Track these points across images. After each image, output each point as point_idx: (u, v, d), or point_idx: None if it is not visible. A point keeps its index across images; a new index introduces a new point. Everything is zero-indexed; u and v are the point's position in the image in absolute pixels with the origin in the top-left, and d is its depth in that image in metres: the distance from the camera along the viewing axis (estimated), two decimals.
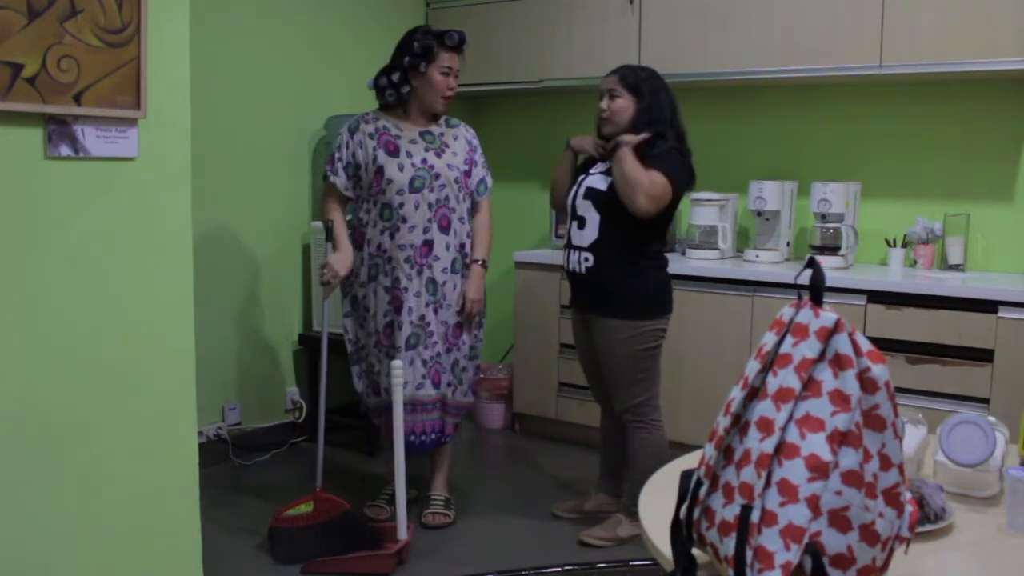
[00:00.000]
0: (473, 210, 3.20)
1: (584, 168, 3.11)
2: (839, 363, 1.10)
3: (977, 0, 3.25)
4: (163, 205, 2.19)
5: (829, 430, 1.08)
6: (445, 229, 3.09)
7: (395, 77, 3.05)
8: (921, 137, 3.77)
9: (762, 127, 4.12)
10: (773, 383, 1.13)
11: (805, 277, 1.15)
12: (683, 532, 1.21)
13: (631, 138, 2.84)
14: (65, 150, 1.99)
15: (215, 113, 3.70)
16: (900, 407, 1.17)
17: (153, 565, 2.24)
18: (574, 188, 3.05)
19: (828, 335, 1.11)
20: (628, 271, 2.93)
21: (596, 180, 2.95)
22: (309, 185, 4.16)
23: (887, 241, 3.77)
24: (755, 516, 1.08)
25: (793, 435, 1.09)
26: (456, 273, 3.13)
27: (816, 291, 1.13)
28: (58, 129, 1.97)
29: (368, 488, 3.51)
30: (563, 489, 3.63)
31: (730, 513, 1.12)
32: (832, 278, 3.34)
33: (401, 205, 3.03)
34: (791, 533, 1.06)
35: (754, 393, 1.15)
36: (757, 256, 3.86)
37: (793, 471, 1.07)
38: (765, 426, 1.11)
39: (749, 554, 1.08)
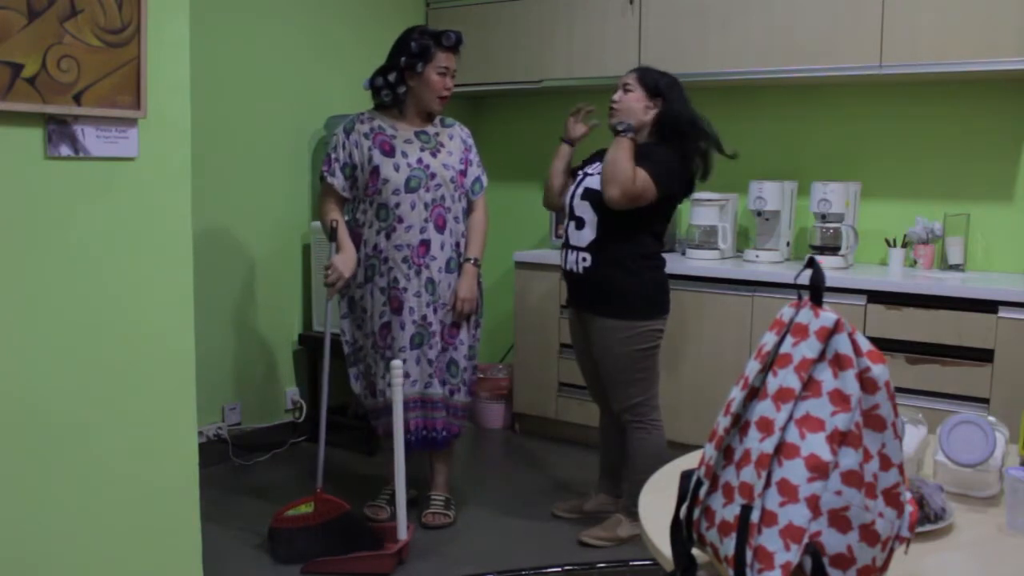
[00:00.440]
0: (469, 209, 3.20)
1: (582, 167, 3.11)
2: (839, 363, 1.10)
3: (977, 0, 3.25)
4: (163, 205, 2.19)
5: (829, 430, 1.08)
6: (441, 229, 3.09)
7: (391, 77, 3.05)
8: (921, 137, 3.77)
9: (762, 127, 4.12)
10: (773, 383, 1.13)
11: (805, 277, 1.15)
12: (683, 532, 1.21)
13: (636, 108, 2.88)
14: (65, 150, 1.99)
15: (215, 113, 3.70)
16: (900, 407, 1.17)
17: (153, 565, 2.24)
18: (572, 187, 3.05)
19: (828, 335, 1.11)
20: (626, 271, 2.93)
21: (595, 180, 2.95)
22: (309, 185, 4.15)
23: (887, 241, 3.77)
24: (755, 516, 1.08)
25: (793, 435, 1.09)
26: (452, 272, 3.13)
27: (816, 291, 1.13)
28: (58, 129, 1.97)
29: (368, 488, 3.51)
30: (563, 489, 3.63)
31: (730, 513, 1.12)
32: (832, 278, 3.34)
33: (397, 205, 3.03)
34: (791, 533, 1.06)
35: (754, 393, 1.15)
36: (757, 256, 3.86)
37: (793, 471, 1.07)
38: (765, 426, 1.11)
39: (749, 554, 1.08)
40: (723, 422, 1.17)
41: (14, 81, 1.86)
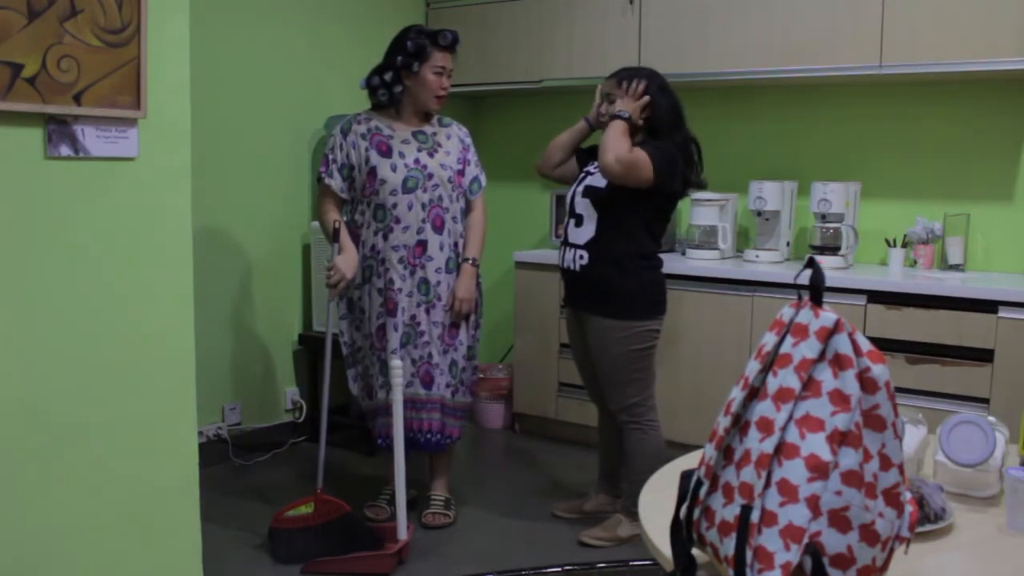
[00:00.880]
0: (467, 209, 3.20)
1: (584, 162, 3.11)
2: (839, 363, 1.10)
3: (977, 0, 3.25)
4: (163, 205, 2.19)
5: (829, 430, 1.08)
6: (439, 229, 3.09)
7: (388, 77, 3.05)
8: (921, 137, 3.77)
9: (762, 127, 4.12)
10: (773, 383, 1.13)
11: (805, 277, 1.15)
12: (683, 532, 1.21)
13: (634, 107, 2.88)
14: (65, 150, 1.99)
15: (215, 113, 3.70)
16: (900, 407, 1.17)
17: (153, 565, 2.24)
18: (573, 185, 3.05)
19: (828, 335, 1.11)
20: (623, 271, 2.93)
21: (595, 179, 2.95)
22: (309, 185, 4.16)
23: (887, 241, 3.77)
24: (755, 516, 1.08)
25: (793, 435, 1.09)
26: (451, 273, 3.13)
27: (816, 291, 1.13)
28: (58, 129, 1.97)
29: (368, 488, 3.51)
30: (563, 489, 3.63)
31: (730, 513, 1.12)
32: (832, 278, 3.34)
33: (395, 206, 3.03)
34: (791, 533, 1.06)
35: (754, 393, 1.15)
36: (757, 256, 3.86)
37: (793, 471, 1.07)
38: (765, 426, 1.11)
39: (749, 554, 1.08)
40: (723, 422, 1.17)
41: (14, 81, 1.86)
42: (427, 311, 3.09)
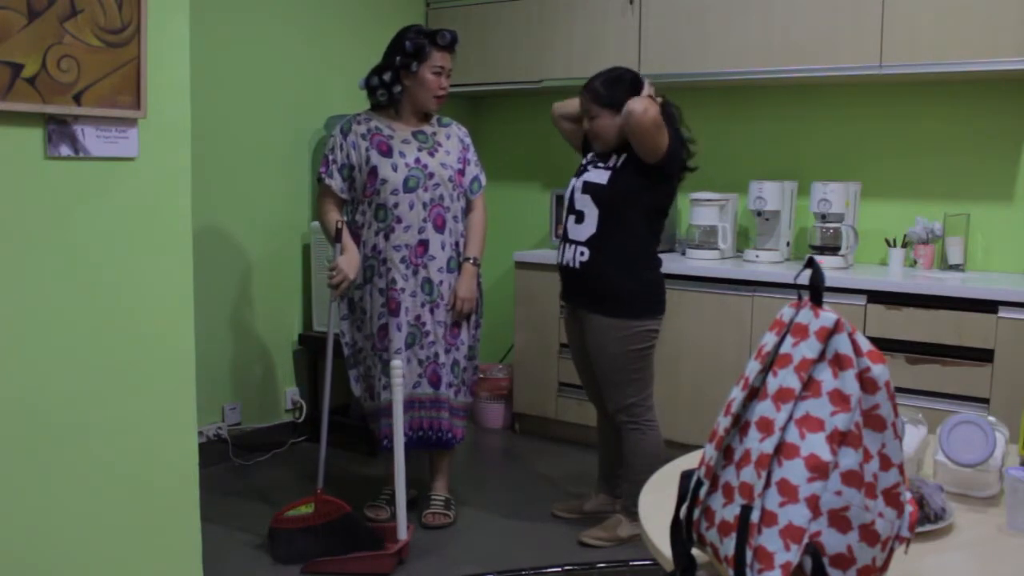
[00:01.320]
0: (467, 208, 3.20)
1: (585, 152, 3.11)
2: (839, 363, 1.10)
3: (977, 0, 3.25)
4: (163, 205, 2.19)
5: (829, 430, 1.08)
6: (440, 228, 3.09)
7: (386, 77, 3.05)
8: (921, 137, 3.77)
9: (762, 127, 4.12)
10: (773, 383, 1.13)
11: (805, 277, 1.15)
12: (683, 532, 1.21)
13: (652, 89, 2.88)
14: (65, 150, 1.99)
15: (215, 113, 3.70)
16: (900, 407, 1.17)
17: (153, 565, 2.24)
18: (572, 181, 3.04)
19: (828, 335, 1.11)
20: (624, 269, 2.93)
21: (594, 175, 2.95)
22: (309, 185, 4.16)
23: (887, 241, 3.77)
24: (755, 516, 1.08)
25: (793, 435, 1.09)
26: (453, 272, 3.13)
27: (816, 291, 1.13)
28: (58, 129, 1.97)
29: (368, 489, 3.51)
30: (563, 489, 3.63)
31: (730, 513, 1.12)
32: (832, 278, 3.34)
33: (396, 205, 3.03)
34: (791, 533, 1.06)
35: (754, 393, 1.15)
36: (757, 256, 3.86)
37: (793, 471, 1.07)
38: (765, 426, 1.11)
39: (749, 554, 1.08)
40: (723, 422, 1.17)
41: (14, 81, 1.86)
42: (431, 311, 3.10)
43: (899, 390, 1.46)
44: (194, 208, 2.28)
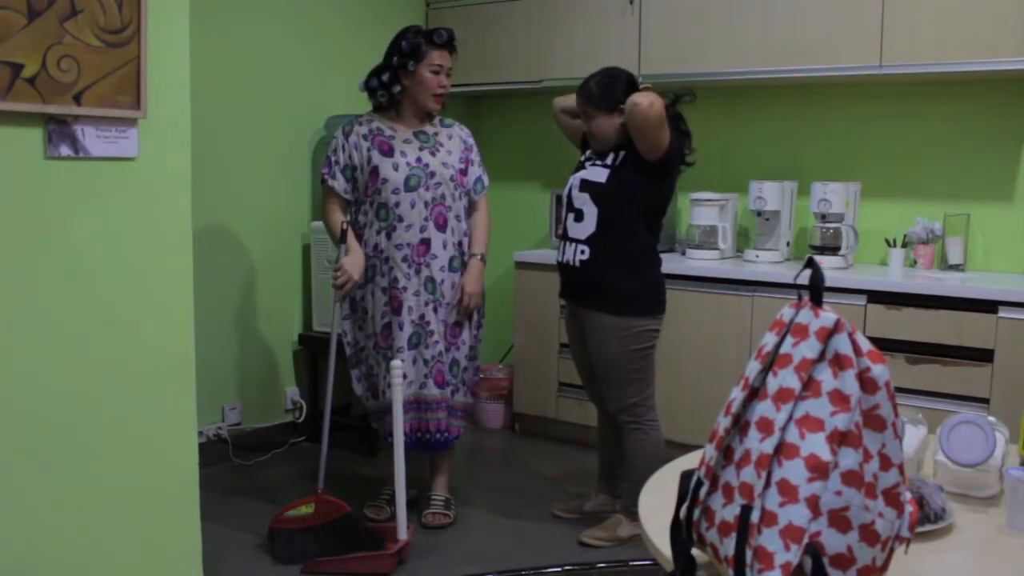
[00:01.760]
0: (471, 208, 3.21)
1: (583, 149, 3.11)
2: (839, 363, 1.10)
3: (977, 0, 3.25)
4: (163, 205, 2.19)
5: (829, 430, 1.08)
6: (442, 227, 3.09)
7: (385, 77, 3.05)
8: (921, 137, 3.77)
9: (762, 127, 4.12)
10: (773, 383, 1.13)
11: (805, 277, 1.15)
12: (683, 532, 1.21)
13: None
14: (65, 150, 1.99)
15: (215, 113, 3.70)
16: (900, 407, 1.17)
17: (153, 565, 2.24)
18: (570, 179, 3.04)
19: (828, 335, 1.11)
20: (624, 267, 2.93)
21: (592, 173, 2.95)
22: (309, 185, 4.16)
23: (887, 241, 3.77)
24: (755, 516, 1.08)
25: (793, 435, 1.09)
26: (455, 271, 3.13)
27: (816, 291, 1.13)
28: (58, 129, 1.97)
29: (368, 489, 3.51)
30: (563, 489, 3.63)
31: (730, 513, 1.12)
32: (832, 278, 3.34)
33: (397, 204, 3.03)
34: (791, 533, 1.06)
35: (754, 393, 1.15)
36: (757, 256, 3.86)
37: (793, 471, 1.07)
38: (765, 426, 1.11)
39: (749, 554, 1.08)
40: (723, 422, 1.17)
41: (14, 81, 1.86)
42: (435, 310, 3.10)
43: (899, 390, 1.47)
44: (194, 208, 2.28)
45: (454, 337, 3.16)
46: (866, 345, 1.11)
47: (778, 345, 1.14)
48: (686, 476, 1.23)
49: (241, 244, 3.91)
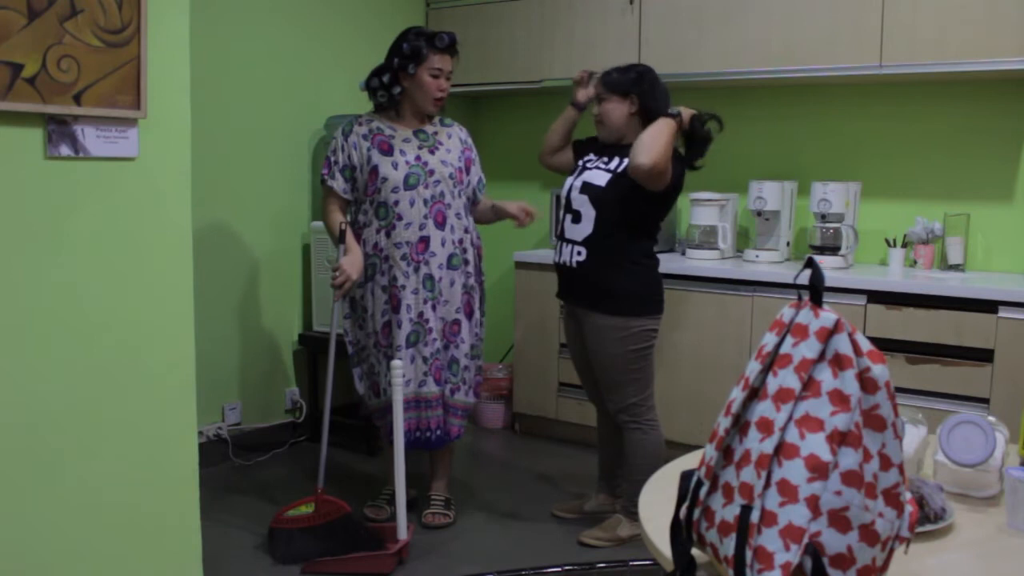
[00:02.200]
0: (476, 206, 3.25)
1: (581, 154, 3.11)
2: (839, 363, 1.10)
3: (977, 0, 3.25)
4: (163, 205, 2.19)
5: (828, 430, 1.08)
6: (441, 225, 3.09)
7: (386, 78, 3.06)
8: (921, 137, 3.77)
9: (762, 127, 4.12)
10: (773, 383, 1.13)
11: (805, 277, 1.15)
12: (683, 532, 1.21)
13: (687, 113, 2.88)
14: (65, 150, 1.99)
15: (215, 113, 3.70)
16: (900, 407, 1.17)
17: (153, 565, 2.24)
18: (570, 180, 3.04)
19: (828, 335, 1.11)
20: (621, 268, 2.93)
21: (593, 175, 2.95)
22: (309, 185, 4.16)
23: (887, 241, 3.77)
24: (755, 516, 1.08)
25: (793, 435, 1.09)
26: (454, 269, 3.13)
27: (816, 291, 1.13)
28: (58, 129, 1.97)
29: (368, 488, 3.51)
30: (563, 489, 3.63)
31: (730, 513, 1.12)
32: (832, 278, 3.34)
33: (396, 203, 3.04)
34: (791, 533, 1.06)
35: (754, 393, 1.15)
36: (757, 256, 3.86)
37: (793, 471, 1.07)
38: (765, 426, 1.11)
39: (749, 554, 1.08)
40: (723, 422, 1.17)
41: (14, 81, 1.86)
42: (433, 307, 3.10)
43: (899, 390, 1.47)
44: (194, 208, 2.28)
45: (453, 335, 3.16)
46: (866, 345, 1.11)
47: (778, 345, 1.14)
48: (686, 476, 1.23)
49: (241, 244, 3.91)
